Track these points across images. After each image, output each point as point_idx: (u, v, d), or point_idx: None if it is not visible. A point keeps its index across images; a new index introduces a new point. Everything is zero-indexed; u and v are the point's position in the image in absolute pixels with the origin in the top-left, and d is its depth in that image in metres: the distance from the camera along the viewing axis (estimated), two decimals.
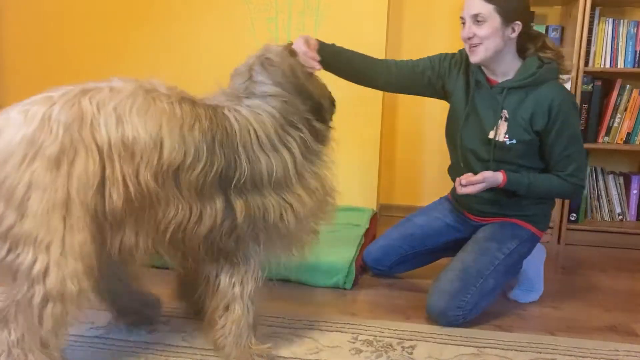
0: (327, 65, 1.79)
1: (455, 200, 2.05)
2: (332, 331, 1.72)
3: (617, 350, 1.66)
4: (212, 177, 1.40)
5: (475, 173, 1.78)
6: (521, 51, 1.82)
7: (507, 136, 1.80)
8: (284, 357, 1.56)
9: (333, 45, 1.87)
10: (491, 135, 1.82)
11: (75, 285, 1.28)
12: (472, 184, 1.76)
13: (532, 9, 2.73)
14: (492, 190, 1.82)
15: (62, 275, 1.26)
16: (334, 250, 2.19)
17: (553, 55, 1.79)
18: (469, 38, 1.76)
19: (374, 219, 2.76)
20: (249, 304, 1.52)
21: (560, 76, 1.81)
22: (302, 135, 1.51)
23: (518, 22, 1.75)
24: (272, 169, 1.44)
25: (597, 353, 1.64)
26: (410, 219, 2.14)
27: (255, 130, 1.45)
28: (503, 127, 1.80)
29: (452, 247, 2.02)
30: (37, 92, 3.18)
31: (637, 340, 1.75)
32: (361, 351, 1.61)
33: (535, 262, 2.00)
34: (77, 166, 1.27)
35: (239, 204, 1.43)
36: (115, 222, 1.33)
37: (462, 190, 1.77)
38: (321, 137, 1.58)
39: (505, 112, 1.80)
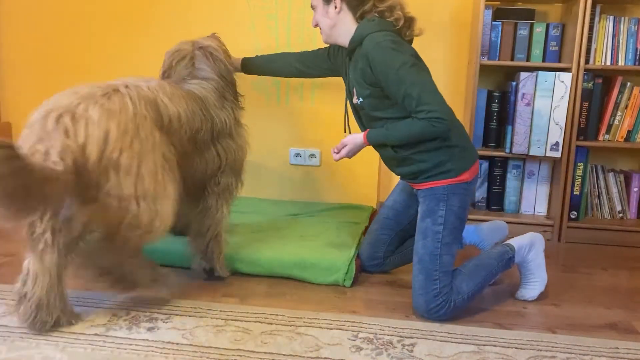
0: (247, 71, 2.40)
1: None
2: (332, 329, 1.72)
3: (618, 348, 1.66)
4: (209, 134, 1.96)
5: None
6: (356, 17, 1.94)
7: (357, 97, 1.93)
8: (284, 355, 1.56)
9: (251, 57, 2.39)
10: (354, 101, 1.97)
11: (163, 224, 1.67)
12: (339, 149, 1.95)
13: (533, 6, 2.76)
14: (383, 149, 1.93)
15: (162, 218, 1.66)
16: (334, 248, 2.19)
17: (383, 8, 1.86)
18: (315, 26, 2.01)
19: (373, 217, 2.76)
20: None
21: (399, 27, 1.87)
22: (230, 101, 2.09)
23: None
24: (226, 120, 2.02)
25: (597, 351, 1.64)
26: (383, 204, 2.21)
27: (209, 97, 1.99)
28: (354, 90, 1.94)
29: None
30: (36, 92, 3.22)
31: (638, 337, 1.75)
32: (361, 349, 1.61)
33: (533, 252, 1.99)
34: (159, 138, 1.70)
35: (220, 148, 2.01)
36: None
37: (335, 157, 1.97)
38: (237, 104, 2.15)
39: (350, 76, 1.95)
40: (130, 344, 1.60)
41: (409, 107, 1.77)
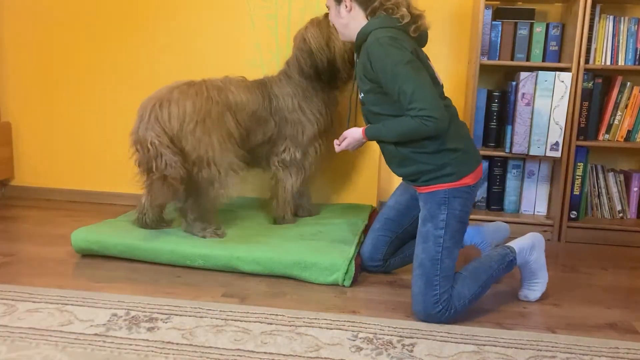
0: None
1: None
2: (332, 329, 1.72)
3: (618, 348, 1.66)
4: (267, 110, 2.49)
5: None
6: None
7: (360, 92, 1.97)
8: (284, 355, 1.56)
9: None
10: (360, 97, 2.00)
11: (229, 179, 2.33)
12: (340, 141, 2.04)
13: (533, 6, 2.76)
14: (385, 146, 1.94)
15: (227, 175, 2.33)
16: (333, 248, 2.19)
17: (390, 7, 1.89)
18: (333, 25, 2.08)
19: (373, 215, 2.76)
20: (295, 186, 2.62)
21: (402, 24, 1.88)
22: (294, 80, 2.53)
23: None
24: (285, 95, 2.51)
25: (597, 350, 1.64)
26: (385, 204, 2.21)
27: (273, 79, 2.55)
28: (359, 85, 1.97)
29: None
30: (36, 92, 3.21)
31: (638, 337, 1.74)
32: (361, 349, 1.61)
33: (534, 253, 1.98)
34: (226, 117, 2.33)
35: (277, 118, 2.52)
36: (239, 144, 2.40)
37: (336, 149, 2.07)
38: (306, 83, 2.54)
39: (356, 71, 2.00)
40: (130, 344, 1.60)
41: (403, 104, 1.78)
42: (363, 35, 1.90)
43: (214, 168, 2.26)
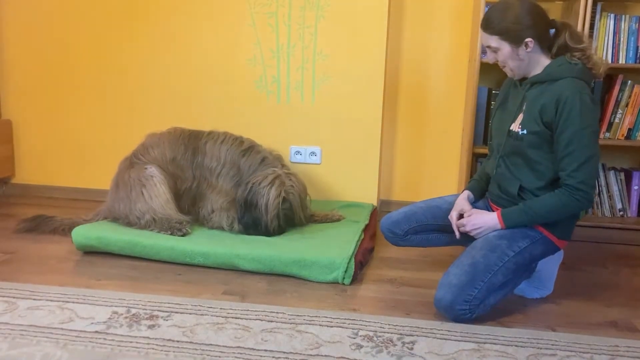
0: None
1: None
2: (332, 326, 1.72)
3: (618, 346, 1.66)
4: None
5: (495, 166, 1.94)
6: (552, 51, 1.86)
7: (520, 126, 1.85)
8: (285, 352, 1.56)
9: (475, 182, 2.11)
10: (512, 127, 1.88)
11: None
12: (461, 225, 1.92)
13: None
14: (512, 185, 1.87)
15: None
16: (333, 246, 2.20)
17: (580, 56, 1.81)
18: (495, 62, 1.89)
19: (374, 214, 2.77)
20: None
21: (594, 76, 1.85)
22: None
23: (528, 39, 1.79)
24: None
25: (597, 348, 1.64)
26: (441, 196, 2.16)
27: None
28: (520, 118, 1.86)
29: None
30: (36, 90, 3.22)
31: (638, 335, 1.74)
32: (361, 346, 1.61)
33: (550, 263, 1.98)
34: None
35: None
36: None
37: (457, 231, 1.94)
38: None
39: (524, 105, 1.86)
40: (131, 342, 1.60)
41: (564, 166, 1.75)
42: (550, 77, 1.80)
43: None
